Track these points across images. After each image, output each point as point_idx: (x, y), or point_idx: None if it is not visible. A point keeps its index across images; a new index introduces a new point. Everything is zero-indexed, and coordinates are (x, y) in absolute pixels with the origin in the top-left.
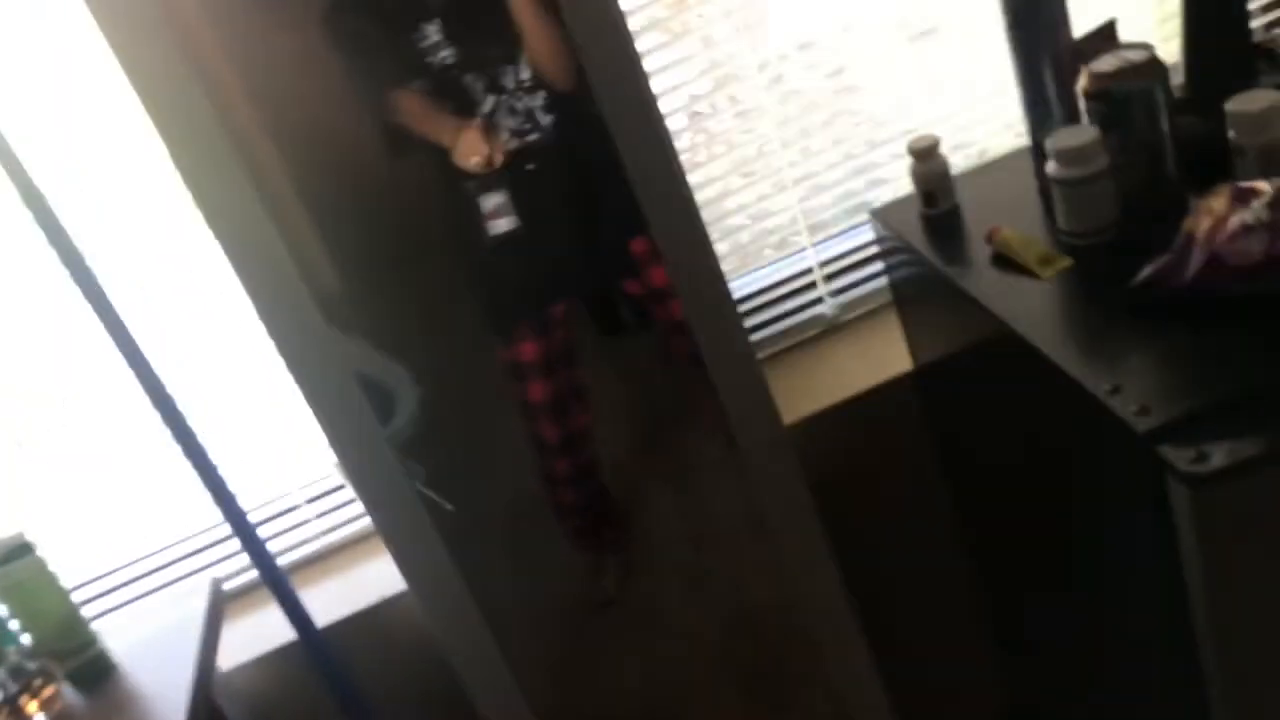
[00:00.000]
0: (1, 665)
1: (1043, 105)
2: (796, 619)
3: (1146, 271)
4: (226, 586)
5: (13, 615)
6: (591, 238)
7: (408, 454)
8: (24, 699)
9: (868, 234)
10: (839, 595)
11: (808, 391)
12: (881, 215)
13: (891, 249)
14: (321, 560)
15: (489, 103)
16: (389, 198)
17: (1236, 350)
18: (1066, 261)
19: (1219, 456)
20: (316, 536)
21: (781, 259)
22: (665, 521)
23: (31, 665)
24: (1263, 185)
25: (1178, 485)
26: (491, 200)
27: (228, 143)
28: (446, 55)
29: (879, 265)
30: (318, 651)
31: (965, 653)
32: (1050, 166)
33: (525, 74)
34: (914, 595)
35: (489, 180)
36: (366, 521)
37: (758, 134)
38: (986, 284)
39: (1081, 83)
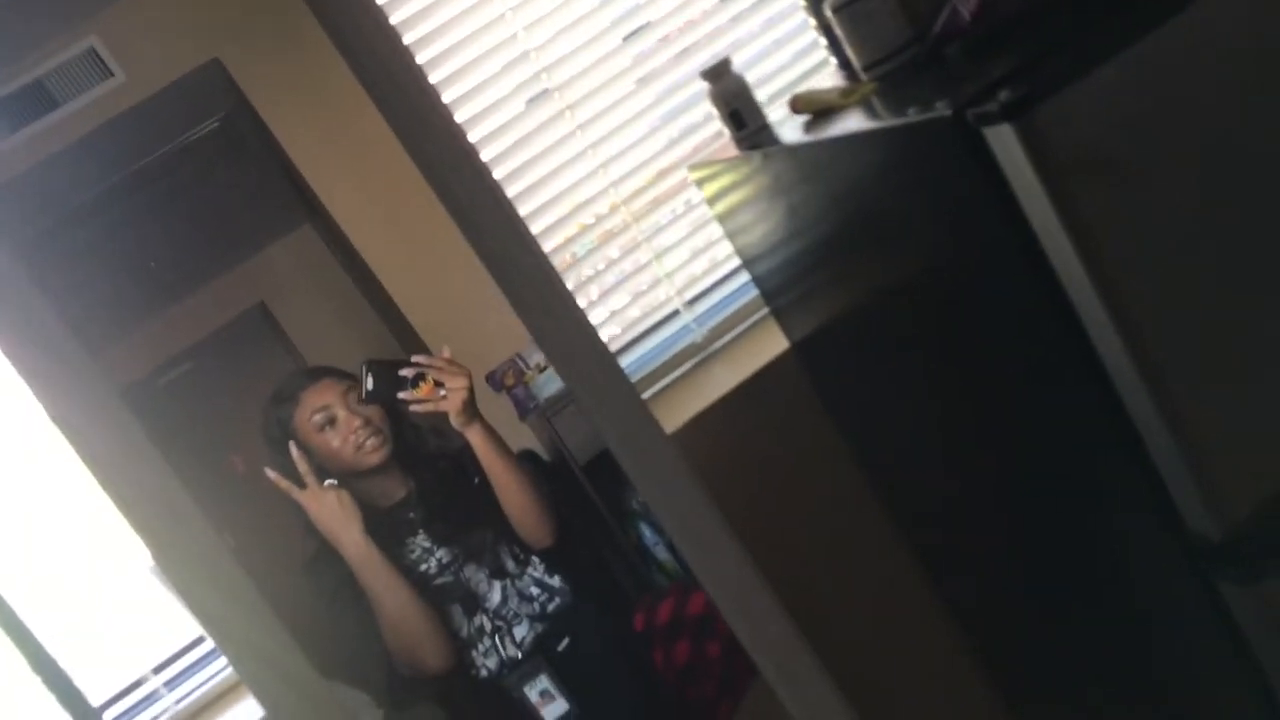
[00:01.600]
0: None
1: None
2: None
3: (935, 29)
4: None
5: None
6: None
7: None
8: None
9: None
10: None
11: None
12: (699, 165)
13: (718, 189)
14: None
15: (496, 591)
16: None
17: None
18: (870, 85)
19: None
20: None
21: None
22: None
23: None
24: None
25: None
26: (535, 689)
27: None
28: (441, 555)
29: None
30: None
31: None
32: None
33: (518, 546)
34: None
35: (527, 669)
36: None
37: None
38: (805, 134)
39: None
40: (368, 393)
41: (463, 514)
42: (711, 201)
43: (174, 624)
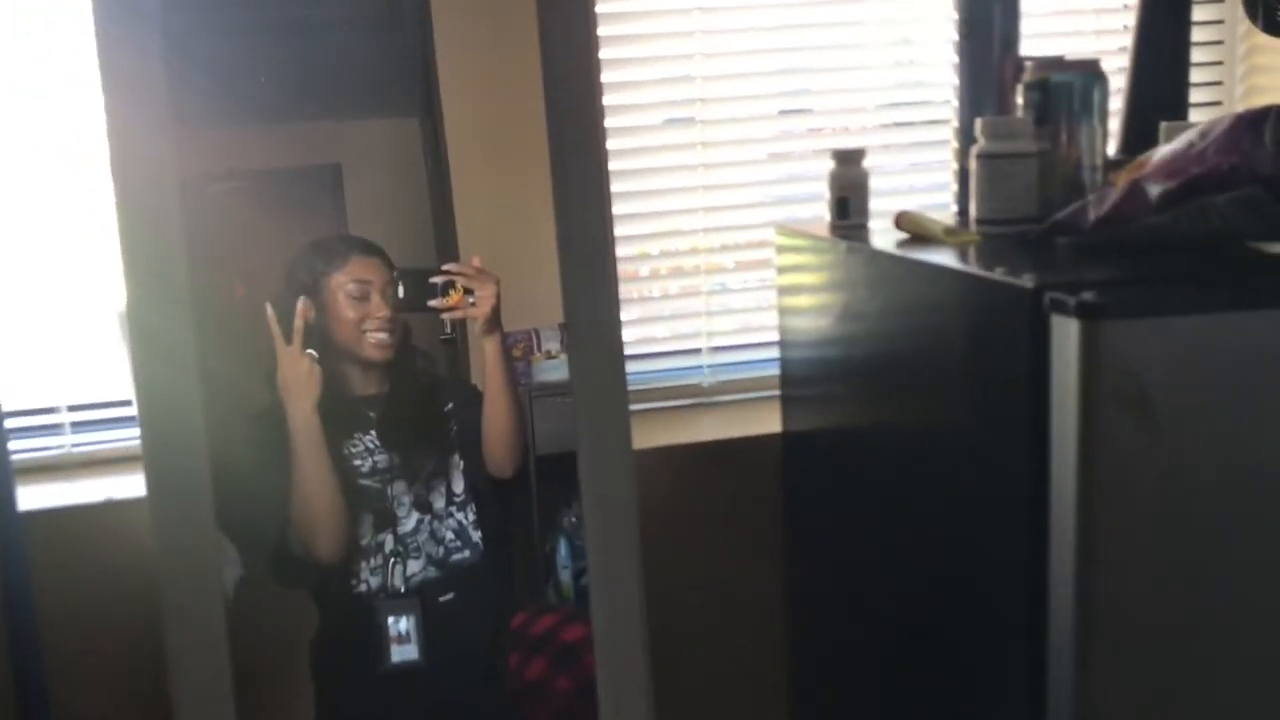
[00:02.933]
0: None
1: (981, 95)
2: None
3: (1057, 216)
4: None
5: None
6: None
7: None
8: None
9: None
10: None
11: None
12: (787, 229)
13: (792, 261)
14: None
15: (412, 519)
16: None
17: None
18: (973, 236)
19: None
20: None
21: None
22: None
23: None
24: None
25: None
26: (398, 625)
27: None
28: (379, 461)
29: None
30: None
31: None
32: (977, 143)
33: (459, 487)
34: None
35: (401, 604)
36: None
37: None
38: (895, 248)
39: (1023, 79)
40: (399, 301)
41: (419, 433)
42: (781, 270)
43: (111, 377)
